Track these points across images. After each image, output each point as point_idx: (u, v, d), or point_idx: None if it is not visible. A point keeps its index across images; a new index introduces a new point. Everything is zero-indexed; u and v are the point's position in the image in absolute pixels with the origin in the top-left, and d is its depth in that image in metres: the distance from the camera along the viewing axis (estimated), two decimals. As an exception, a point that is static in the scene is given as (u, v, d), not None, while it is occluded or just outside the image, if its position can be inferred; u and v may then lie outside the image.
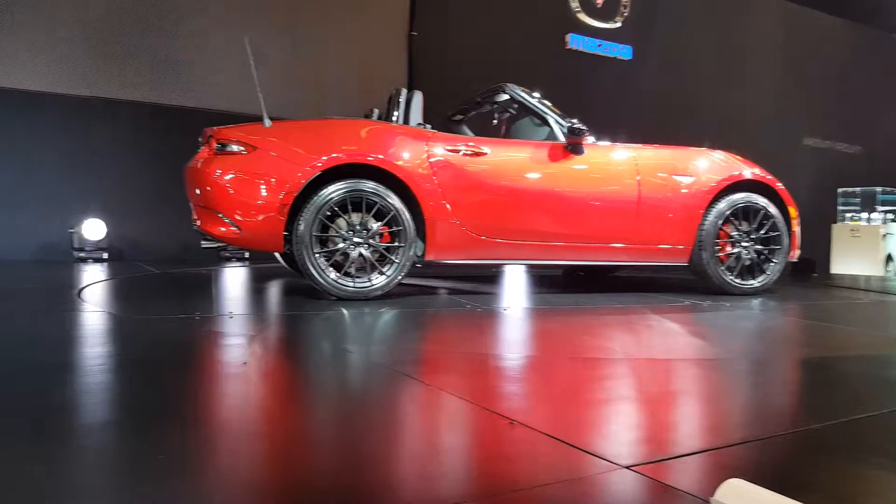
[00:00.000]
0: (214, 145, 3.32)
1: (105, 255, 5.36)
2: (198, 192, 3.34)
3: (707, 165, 4.03)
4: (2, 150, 5.21)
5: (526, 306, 3.55)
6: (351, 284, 3.33)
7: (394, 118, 3.92)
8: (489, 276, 4.89)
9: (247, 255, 5.66)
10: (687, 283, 4.36)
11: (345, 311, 3.02)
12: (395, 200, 3.35)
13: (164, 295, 3.78)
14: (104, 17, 5.45)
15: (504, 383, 1.95)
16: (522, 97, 3.98)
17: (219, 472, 1.19)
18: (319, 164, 3.25)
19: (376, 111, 4.30)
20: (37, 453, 1.18)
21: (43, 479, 1.07)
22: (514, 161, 3.76)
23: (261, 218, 3.25)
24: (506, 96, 4.06)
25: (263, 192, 3.25)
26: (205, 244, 3.49)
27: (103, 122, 5.54)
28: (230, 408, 1.61)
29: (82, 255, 5.28)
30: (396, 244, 3.40)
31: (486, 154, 3.64)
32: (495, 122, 4.69)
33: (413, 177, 3.42)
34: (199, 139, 3.55)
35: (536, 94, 4.03)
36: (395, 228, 3.40)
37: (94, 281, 4.02)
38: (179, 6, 5.72)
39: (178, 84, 5.74)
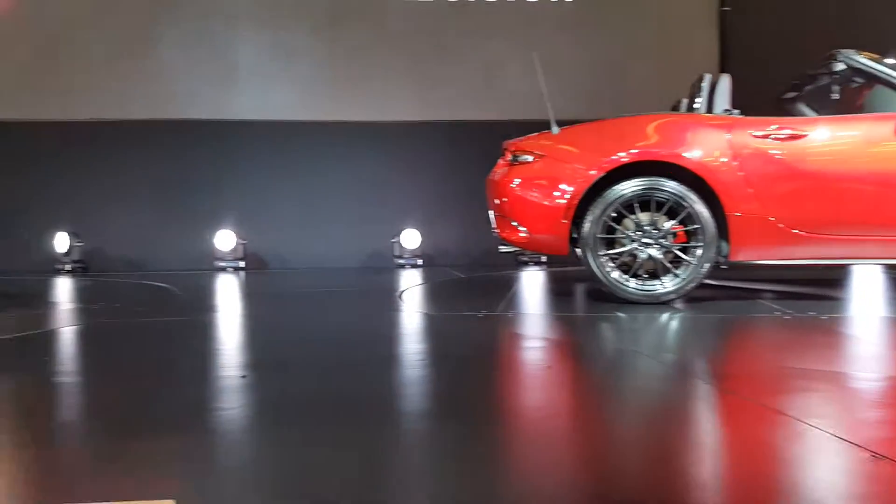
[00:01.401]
0: (508, 157, 3.64)
1: (420, 262, 6.23)
2: (496, 201, 3.70)
3: None
4: (337, 174, 6.47)
5: (855, 314, 3.05)
6: (639, 287, 3.28)
7: (696, 106, 3.76)
8: (806, 279, 4.30)
9: (543, 258, 5.97)
10: None
11: (635, 315, 2.97)
12: (690, 196, 3.22)
13: (468, 296, 4.25)
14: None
15: (858, 406, 1.65)
16: (863, 64, 3.43)
17: (528, 462, 1.25)
18: (605, 166, 3.28)
19: (684, 101, 4.17)
20: (363, 436, 1.48)
21: (368, 458, 1.30)
22: (842, 141, 3.25)
23: (547, 222, 3.40)
24: (841, 65, 3.55)
25: (549, 197, 3.39)
26: (502, 249, 3.82)
27: (410, 141, 6.47)
28: (531, 403, 1.75)
29: (401, 261, 6.23)
30: (693, 244, 3.26)
31: (804, 136, 3.23)
32: (836, 95, 4.12)
33: (710, 169, 3.22)
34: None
35: (891, 60, 3.43)
36: (690, 227, 3.26)
37: (411, 285, 4.74)
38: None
39: (482, 96, 6.39)
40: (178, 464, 1.28)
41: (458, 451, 1.34)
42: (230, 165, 6.41)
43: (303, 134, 6.43)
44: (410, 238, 6.18)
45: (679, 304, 3.24)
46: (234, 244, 6.15)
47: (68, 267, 6.10)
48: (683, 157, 3.24)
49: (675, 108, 4.14)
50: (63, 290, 4.86)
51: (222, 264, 6.13)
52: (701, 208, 3.20)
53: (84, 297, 4.47)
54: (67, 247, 6.11)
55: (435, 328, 2.97)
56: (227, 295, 4.56)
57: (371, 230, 6.38)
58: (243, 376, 2.00)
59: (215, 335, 2.91)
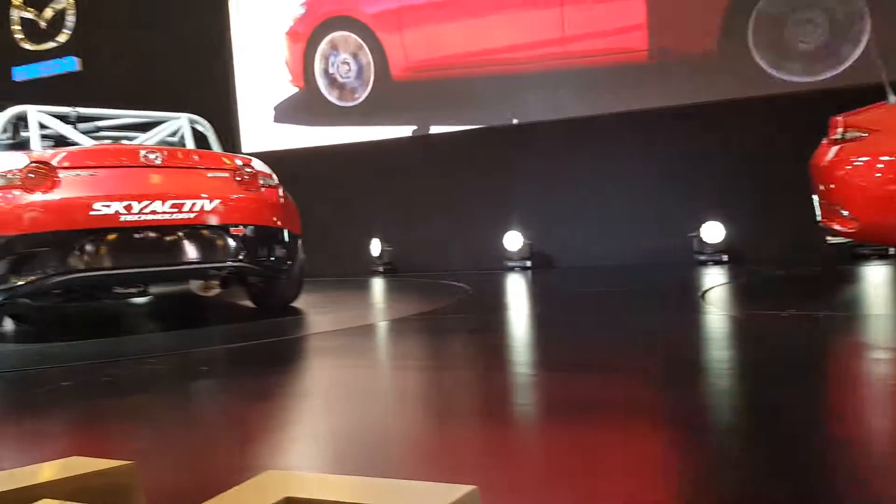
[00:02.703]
0: (835, 134, 3.14)
1: (724, 258, 5.68)
2: (820, 186, 3.25)
3: None
4: (624, 167, 6.25)
5: None
6: None
7: None
8: None
9: (893, 251, 4.96)
10: None
11: None
12: None
13: (785, 296, 3.73)
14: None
15: None
16: None
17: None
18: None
19: None
20: (663, 450, 1.35)
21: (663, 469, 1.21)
22: None
23: (879, 206, 2.92)
24: None
25: (880, 178, 2.87)
26: (830, 240, 3.31)
27: (717, 124, 5.93)
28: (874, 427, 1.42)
29: (702, 258, 5.76)
30: None
31: None
32: None
33: None
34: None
35: None
36: None
37: (716, 284, 4.33)
38: None
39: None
40: (478, 452, 1.32)
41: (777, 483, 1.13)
42: (517, 168, 6.67)
43: (583, 131, 6.38)
44: (712, 231, 5.68)
45: None
46: (522, 244, 6.40)
47: (380, 268, 7.04)
48: None
49: None
50: (378, 289, 5.59)
51: (511, 264, 6.43)
52: None
53: (396, 297, 5.06)
54: (380, 251, 7.07)
55: (746, 333, 2.64)
56: (519, 293, 4.73)
57: (665, 225, 6.03)
58: (533, 375, 2.02)
59: (508, 332, 3.01)
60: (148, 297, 4.77)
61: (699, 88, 5.95)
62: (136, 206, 3.16)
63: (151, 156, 3.37)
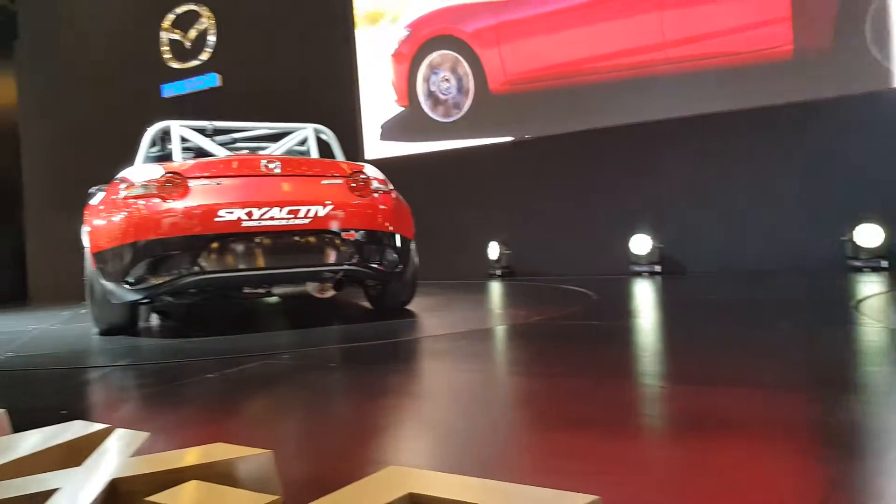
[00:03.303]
0: None
1: (883, 264, 5.17)
2: None
3: None
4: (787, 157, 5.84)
5: None
6: None
7: None
8: None
9: None
10: None
11: None
12: None
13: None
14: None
15: None
16: None
17: None
18: None
19: None
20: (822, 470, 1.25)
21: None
22: None
23: None
24: None
25: None
26: None
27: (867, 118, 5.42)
28: None
29: (857, 263, 5.27)
30: None
31: None
32: None
33: None
34: None
35: None
36: None
37: (873, 293, 3.94)
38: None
39: None
40: (598, 462, 1.29)
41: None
42: (644, 168, 6.45)
43: (718, 129, 6.06)
44: (869, 234, 5.19)
45: None
46: (650, 248, 6.17)
47: (498, 272, 7.07)
48: None
49: None
50: (496, 293, 5.61)
51: (637, 269, 6.22)
52: None
53: (513, 301, 5.06)
54: (498, 254, 7.10)
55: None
56: (648, 300, 4.57)
57: (812, 228, 5.60)
58: (661, 386, 1.94)
59: (635, 341, 2.92)
60: (275, 298, 5.11)
61: (842, 83, 5.50)
62: (255, 213, 3.42)
63: (271, 165, 3.62)
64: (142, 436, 1.25)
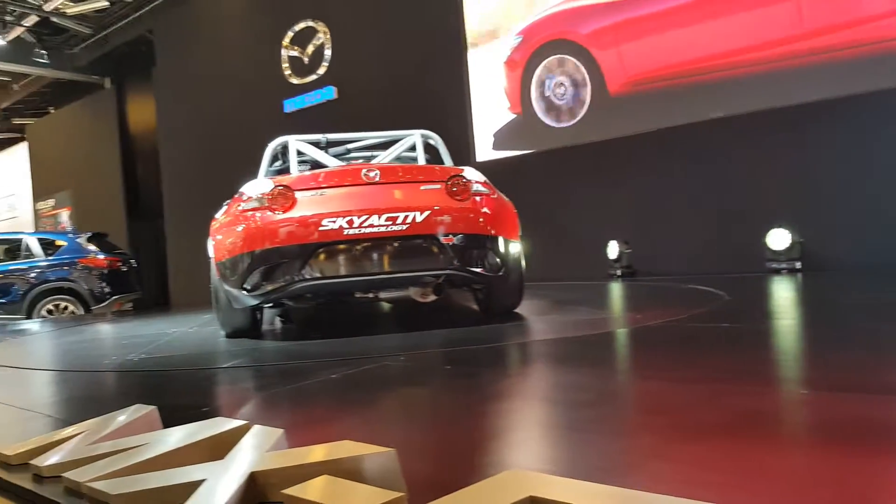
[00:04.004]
0: None
1: None
2: None
3: None
4: None
5: None
6: None
7: None
8: None
9: None
10: None
11: None
12: None
13: None
14: None
15: None
16: None
17: None
18: None
19: None
20: None
21: None
22: None
23: None
24: None
25: None
26: None
27: None
28: None
29: None
30: None
31: None
32: None
33: None
34: None
35: None
36: None
37: None
38: None
39: None
40: (726, 471, 1.24)
41: None
42: (778, 156, 6.07)
43: (867, 110, 5.58)
44: None
45: None
46: (790, 242, 5.80)
47: (618, 272, 6.90)
48: None
49: None
50: (614, 294, 5.48)
51: (775, 265, 5.85)
52: None
53: (633, 303, 4.92)
54: (617, 253, 6.93)
55: None
56: (789, 300, 4.29)
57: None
58: (805, 392, 1.82)
59: (773, 345, 2.75)
60: (384, 302, 5.28)
61: None
62: (356, 221, 3.57)
63: (371, 174, 3.76)
64: (277, 432, 1.35)
